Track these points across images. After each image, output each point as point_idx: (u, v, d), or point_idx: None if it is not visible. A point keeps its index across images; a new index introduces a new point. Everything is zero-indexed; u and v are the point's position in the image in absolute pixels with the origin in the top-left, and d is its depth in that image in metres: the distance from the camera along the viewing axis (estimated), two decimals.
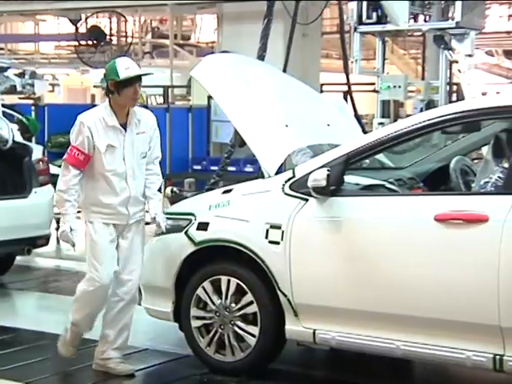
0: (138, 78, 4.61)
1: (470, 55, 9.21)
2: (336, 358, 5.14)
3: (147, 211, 4.78)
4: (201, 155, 11.46)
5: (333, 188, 4.30)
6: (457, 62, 9.28)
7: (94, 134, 4.56)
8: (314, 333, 4.42)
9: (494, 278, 3.91)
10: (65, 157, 4.63)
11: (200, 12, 16.13)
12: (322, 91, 11.00)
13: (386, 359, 4.54)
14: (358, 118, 8.01)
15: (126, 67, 4.55)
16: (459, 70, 9.28)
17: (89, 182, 4.65)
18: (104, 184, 4.62)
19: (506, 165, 4.31)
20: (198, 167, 11.20)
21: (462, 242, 4.04)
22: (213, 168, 9.87)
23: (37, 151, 7.29)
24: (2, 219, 6.70)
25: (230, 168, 9.27)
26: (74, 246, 4.62)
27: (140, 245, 4.78)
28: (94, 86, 19.59)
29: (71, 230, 4.56)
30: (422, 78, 13.09)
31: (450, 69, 9.80)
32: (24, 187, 7.05)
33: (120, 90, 4.56)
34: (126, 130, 4.64)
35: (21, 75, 10.63)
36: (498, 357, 3.95)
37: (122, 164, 4.62)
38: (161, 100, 13.96)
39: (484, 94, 14.60)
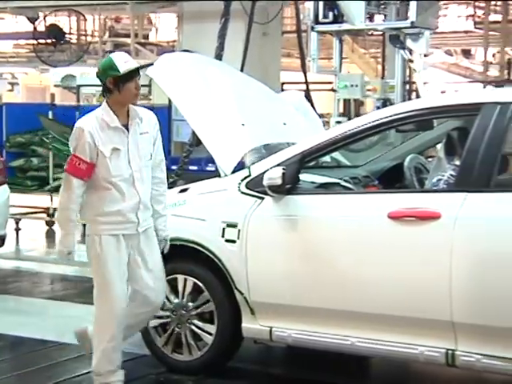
0: (137, 71, 4.28)
1: (425, 55, 9.32)
2: (294, 356, 5.17)
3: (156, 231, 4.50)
4: None
5: (288, 186, 4.32)
6: (412, 61, 9.37)
7: (96, 139, 4.19)
8: (270, 331, 4.45)
9: (446, 274, 3.96)
10: (65, 167, 4.28)
11: (160, 11, 16.07)
12: (282, 90, 11.02)
13: (343, 356, 4.57)
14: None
15: (124, 61, 4.22)
16: (414, 70, 9.38)
17: (94, 192, 4.28)
18: (111, 191, 4.25)
19: (458, 162, 4.38)
20: None
21: (415, 238, 4.08)
22: (174, 167, 9.84)
23: None
24: None
25: (192, 167, 9.26)
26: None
27: (158, 258, 4.46)
28: (55, 86, 19.41)
29: (69, 252, 4.32)
30: (382, 77, 13.20)
31: (410, 68, 9.90)
32: None
33: (121, 87, 4.20)
34: (128, 131, 4.30)
35: None
36: (450, 352, 4.00)
37: (127, 167, 4.26)
38: None
39: (443, 92, 14.79)
